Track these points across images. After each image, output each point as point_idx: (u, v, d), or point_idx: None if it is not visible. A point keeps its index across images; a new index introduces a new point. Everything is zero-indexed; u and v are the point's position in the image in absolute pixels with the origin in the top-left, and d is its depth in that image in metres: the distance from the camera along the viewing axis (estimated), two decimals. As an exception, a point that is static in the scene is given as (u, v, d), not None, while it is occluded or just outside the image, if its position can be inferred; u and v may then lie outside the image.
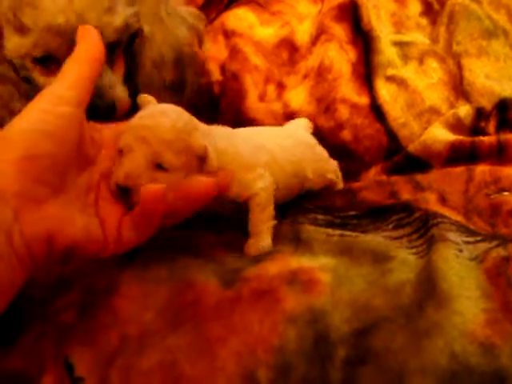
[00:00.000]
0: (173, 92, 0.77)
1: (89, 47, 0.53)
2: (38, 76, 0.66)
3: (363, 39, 0.93)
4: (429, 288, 0.47)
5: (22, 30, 0.61)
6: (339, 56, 0.90)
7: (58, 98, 0.47)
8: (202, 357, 0.45)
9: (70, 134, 0.48)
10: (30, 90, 0.67)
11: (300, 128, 0.74)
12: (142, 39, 0.71)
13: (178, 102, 0.57)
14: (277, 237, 0.61)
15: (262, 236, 0.59)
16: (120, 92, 0.67)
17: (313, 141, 0.73)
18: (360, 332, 0.45)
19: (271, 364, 0.44)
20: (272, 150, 0.62)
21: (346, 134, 0.86)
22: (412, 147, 0.83)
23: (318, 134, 0.84)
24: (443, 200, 0.65)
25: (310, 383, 0.43)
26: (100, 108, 0.63)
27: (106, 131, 0.56)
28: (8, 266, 0.41)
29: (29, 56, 0.64)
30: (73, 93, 0.48)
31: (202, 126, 0.57)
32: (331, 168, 0.76)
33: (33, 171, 0.44)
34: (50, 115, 0.46)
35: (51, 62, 0.64)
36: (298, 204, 0.70)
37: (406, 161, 0.83)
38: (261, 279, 0.51)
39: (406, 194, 0.69)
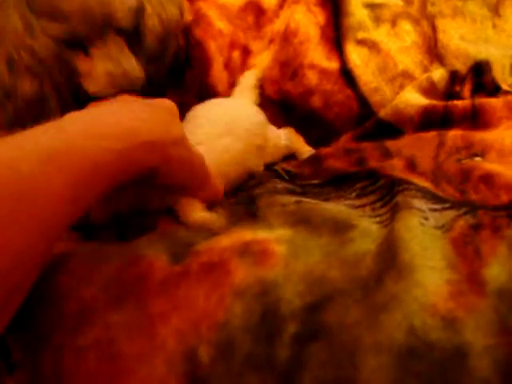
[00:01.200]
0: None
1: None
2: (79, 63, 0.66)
3: (332, 1, 0.88)
4: (389, 259, 0.44)
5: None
6: (306, 19, 0.85)
7: None
8: (141, 334, 0.42)
9: None
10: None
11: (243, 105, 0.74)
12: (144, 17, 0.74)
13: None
14: (233, 213, 0.58)
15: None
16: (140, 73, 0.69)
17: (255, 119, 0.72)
18: (313, 306, 0.42)
19: (213, 341, 0.41)
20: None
21: (315, 101, 0.82)
22: (383, 112, 0.79)
23: (286, 100, 0.82)
24: (412, 166, 0.61)
25: (255, 361, 0.40)
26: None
27: None
28: None
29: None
30: None
31: None
32: (281, 142, 0.76)
33: None
34: None
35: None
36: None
37: (377, 127, 0.79)
38: (212, 252, 0.48)
39: (373, 161, 0.66)
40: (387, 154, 0.67)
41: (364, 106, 0.83)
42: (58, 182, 0.39)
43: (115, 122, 0.47)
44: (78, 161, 0.41)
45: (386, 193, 0.56)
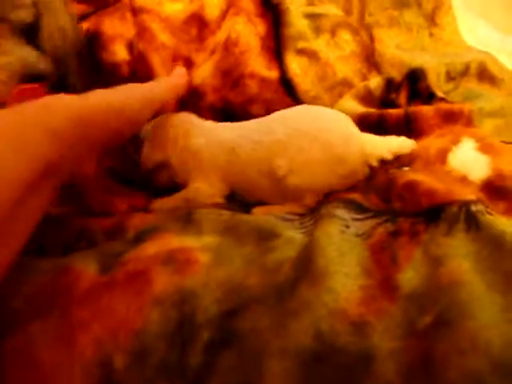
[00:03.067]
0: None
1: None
2: None
3: (273, 12, 0.89)
4: (306, 265, 0.45)
5: None
6: (247, 29, 0.87)
7: None
8: (61, 343, 0.43)
9: None
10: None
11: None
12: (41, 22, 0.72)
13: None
14: (169, 215, 0.59)
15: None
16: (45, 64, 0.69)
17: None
18: (228, 313, 0.43)
19: (129, 349, 0.42)
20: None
21: (256, 109, 0.83)
22: (322, 121, 0.79)
23: (228, 108, 0.83)
24: None
25: (167, 368, 0.41)
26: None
27: None
28: None
29: None
30: None
31: None
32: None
33: None
34: None
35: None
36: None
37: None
38: (137, 261, 0.49)
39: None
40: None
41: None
42: None
43: None
44: None
45: (314, 207, 0.57)
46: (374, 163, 0.63)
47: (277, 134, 0.61)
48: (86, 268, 0.50)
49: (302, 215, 0.56)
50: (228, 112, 0.82)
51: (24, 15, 0.66)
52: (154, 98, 0.64)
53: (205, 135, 0.68)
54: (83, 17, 0.90)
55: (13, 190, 0.39)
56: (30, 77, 0.64)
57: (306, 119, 0.62)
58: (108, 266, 0.50)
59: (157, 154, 0.71)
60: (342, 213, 0.52)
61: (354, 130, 0.64)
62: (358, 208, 0.55)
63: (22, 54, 0.64)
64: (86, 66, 0.81)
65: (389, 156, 0.64)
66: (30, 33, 0.66)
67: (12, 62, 0.64)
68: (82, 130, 0.47)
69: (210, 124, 0.71)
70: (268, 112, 0.80)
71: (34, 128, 0.42)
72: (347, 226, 0.51)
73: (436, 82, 0.83)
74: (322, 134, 0.61)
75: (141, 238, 0.55)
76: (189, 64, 0.89)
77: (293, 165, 0.58)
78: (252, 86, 0.84)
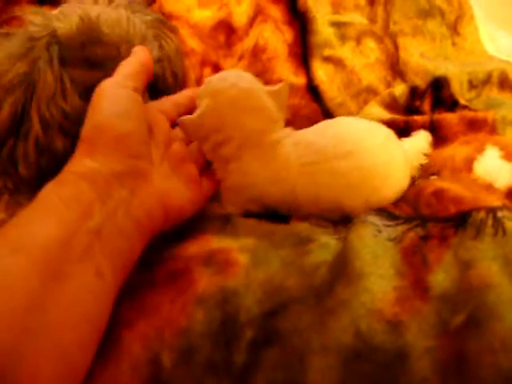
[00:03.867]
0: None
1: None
2: None
3: (300, 20, 0.91)
4: (342, 267, 0.47)
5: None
6: (275, 36, 0.89)
7: (117, 83, 0.53)
8: (107, 340, 0.45)
9: (140, 110, 0.53)
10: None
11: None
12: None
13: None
14: (207, 216, 0.61)
15: None
16: None
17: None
18: (269, 313, 0.45)
19: (176, 347, 0.44)
20: None
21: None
22: (348, 127, 0.81)
23: None
24: None
25: (214, 366, 0.43)
26: None
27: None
28: (129, 239, 0.46)
29: None
30: (129, 81, 0.53)
31: None
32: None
33: (129, 148, 0.49)
34: (118, 97, 0.52)
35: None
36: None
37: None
38: (178, 260, 0.51)
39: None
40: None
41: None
42: None
43: None
44: None
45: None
46: (416, 174, 0.63)
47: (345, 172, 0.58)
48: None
49: (335, 222, 0.58)
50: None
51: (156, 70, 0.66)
52: None
53: None
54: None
55: None
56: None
57: (371, 152, 0.59)
58: (147, 262, 0.51)
59: None
60: (374, 219, 0.54)
61: (403, 147, 0.63)
62: (389, 215, 0.56)
63: None
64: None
65: (425, 160, 0.65)
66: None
67: None
68: None
69: None
70: (294, 117, 0.82)
71: None
72: (379, 231, 0.52)
73: (459, 90, 0.84)
74: (391, 169, 0.59)
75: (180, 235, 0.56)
76: (217, 69, 0.91)
77: (369, 200, 0.58)
78: (279, 92, 0.86)
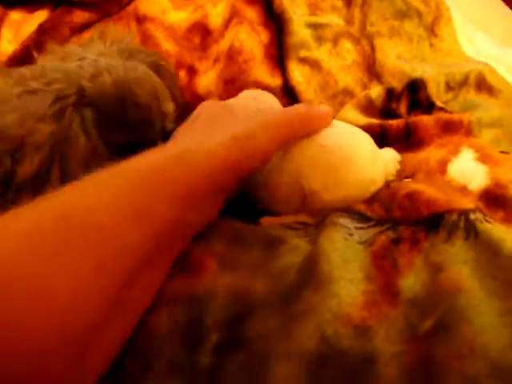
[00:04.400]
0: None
1: None
2: None
3: (276, 21, 0.90)
4: (310, 271, 0.46)
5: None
6: (250, 38, 0.88)
7: None
8: None
9: None
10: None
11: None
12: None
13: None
14: None
15: None
16: None
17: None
18: (235, 317, 0.44)
19: (140, 350, 0.43)
20: None
21: (260, 117, 0.83)
22: (323, 130, 0.80)
23: None
24: None
25: (177, 368, 0.42)
26: None
27: None
28: None
29: None
30: None
31: None
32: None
33: None
34: None
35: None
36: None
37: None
38: None
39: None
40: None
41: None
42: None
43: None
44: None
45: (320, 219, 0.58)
46: (392, 178, 0.63)
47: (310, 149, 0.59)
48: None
49: (306, 224, 0.57)
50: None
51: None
52: None
53: None
54: (87, 25, 0.91)
55: (132, 258, 0.40)
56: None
57: (335, 136, 0.60)
58: None
59: None
60: (345, 222, 0.54)
61: (376, 147, 0.63)
62: (361, 217, 0.56)
63: None
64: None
65: (399, 167, 0.65)
66: None
67: None
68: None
69: None
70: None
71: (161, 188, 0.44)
72: (350, 234, 0.52)
73: (436, 92, 0.84)
74: (353, 152, 0.59)
75: None
76: (192, 72, 0.90)
77: (327, 181, 0.57)
78: (256, 94, 0.85)
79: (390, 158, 0.66)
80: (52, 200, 0.40)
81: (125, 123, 0.59)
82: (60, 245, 0.37)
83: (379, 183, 0.61)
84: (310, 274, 0.46)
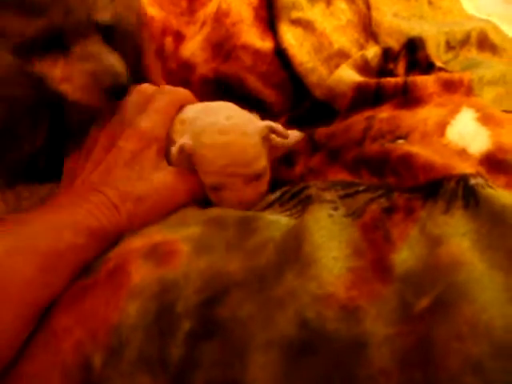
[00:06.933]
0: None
1: None
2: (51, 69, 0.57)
3: (266, -18, 0.85)
4: (293, 251, 0.43)
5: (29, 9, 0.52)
6: (238, 0, 0.82)
7: None
8: (42, 352, 0.43)
9: None
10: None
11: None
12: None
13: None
14: None
15: None
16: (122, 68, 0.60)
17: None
18: (208, 301, 0.41)
19: (106, 345, 0.40)
20: None
21: (251, 83, 0.80)
22: (319, 91, 0.79)
23: (221, 80, 0.81)
24: (333, 158, 0.62)
25: (147, 361, 0.39)
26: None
27: None
28: None
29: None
30: None
31: None
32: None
33: None
34: None
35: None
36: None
37: (313, 108, 0.78)
38: (119, 257, 0.48)
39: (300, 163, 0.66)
40: (314, 149, 0.66)
41: (300, 88, 0.82)
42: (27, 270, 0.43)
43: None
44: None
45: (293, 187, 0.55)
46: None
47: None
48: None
49: (278, 198, 0.54)
50: (222, 83, 0.79)
51: (107, 16, 0.59)
52: None
53: None
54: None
55: None
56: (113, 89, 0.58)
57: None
58: (92, 267, 0.48)
59: None
60: (330, 195, 0.50)
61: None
62: (347, 185, 0.52)
63: (109, 63, 0.58)
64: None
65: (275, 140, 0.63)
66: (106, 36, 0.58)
67: (96, 70, 0.57)
68: None
69: None
70: (264, 85, 0.77)
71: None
72: (336, 208, 0.49)
73: (435, 51, 0.80)
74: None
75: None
76: (179, 38, 0.86)
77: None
78: (245, 58, 0.81)
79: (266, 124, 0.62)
80: None
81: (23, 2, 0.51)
82: None
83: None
84: (291, 255, 0.42)
